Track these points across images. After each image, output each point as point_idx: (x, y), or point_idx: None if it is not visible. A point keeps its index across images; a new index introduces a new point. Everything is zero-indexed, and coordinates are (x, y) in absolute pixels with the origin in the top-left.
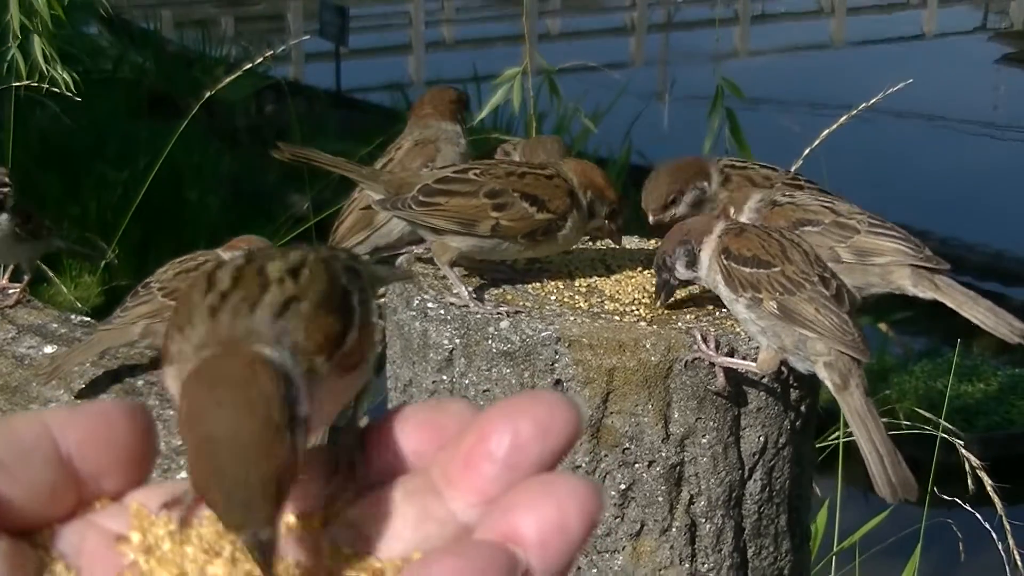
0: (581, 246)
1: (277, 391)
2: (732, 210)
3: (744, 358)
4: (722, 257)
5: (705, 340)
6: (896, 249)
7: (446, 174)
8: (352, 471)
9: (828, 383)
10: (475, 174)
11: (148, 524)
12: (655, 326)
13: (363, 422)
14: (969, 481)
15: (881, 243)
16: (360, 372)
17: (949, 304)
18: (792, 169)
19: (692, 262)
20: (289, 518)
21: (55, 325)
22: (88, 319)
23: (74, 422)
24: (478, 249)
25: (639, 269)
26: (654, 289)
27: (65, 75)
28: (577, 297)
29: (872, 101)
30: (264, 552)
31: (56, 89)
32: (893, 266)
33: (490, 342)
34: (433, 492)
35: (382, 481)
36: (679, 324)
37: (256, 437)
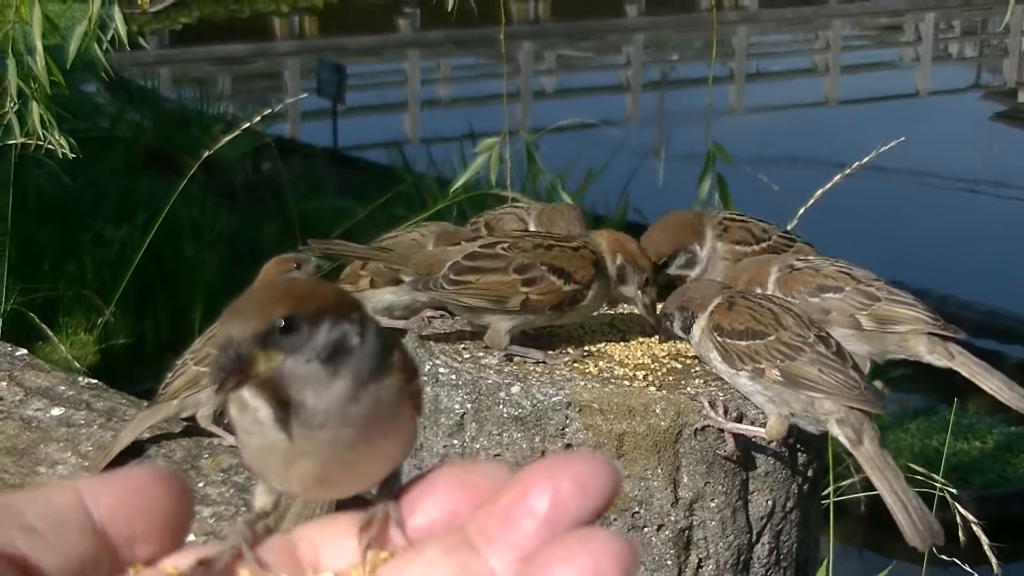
0: None
1: None
2: (758, 289)
3: (752, 423)
4: (715, 334)
5: (713, 406)
6: (916, 317)
7: (475, 249)
8: (388, 527)
9: (843, 439)
10: (503, 248)
11: None
12: (664, 391)
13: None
14: (961, 535)
15: (901, 311)
16: (412, 424)
17: (964, 374)
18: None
19: (686, 329)
20: (327, 575)
21: (63, 387)
22: (95, 381)
23: (106, 490)
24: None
25: (649, 334)
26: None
27: (62, 140)
28: (587, 362)
29: (865, 160)
30: None
31: (52, 146)
32: (911, 334)
33: (501, 407)
34: (471, 548)
35: (418, 538)
36: (688, 389)
37: None
